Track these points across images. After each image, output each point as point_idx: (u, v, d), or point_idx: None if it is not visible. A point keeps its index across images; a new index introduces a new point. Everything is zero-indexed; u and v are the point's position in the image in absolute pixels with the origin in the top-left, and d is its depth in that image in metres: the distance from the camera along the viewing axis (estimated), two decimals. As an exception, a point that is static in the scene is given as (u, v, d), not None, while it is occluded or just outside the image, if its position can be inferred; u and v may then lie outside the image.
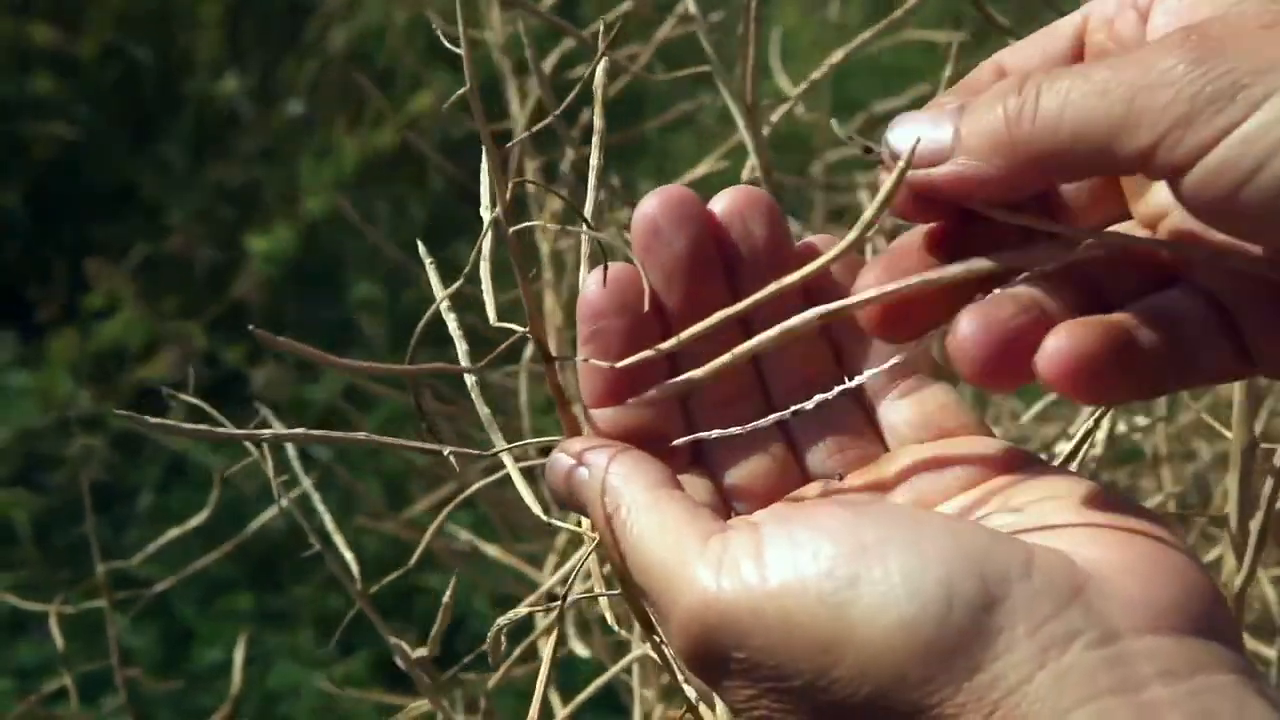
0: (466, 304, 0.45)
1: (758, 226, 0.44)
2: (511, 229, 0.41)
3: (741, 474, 0.44)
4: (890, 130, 0.40)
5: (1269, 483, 0.54)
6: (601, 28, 0.43)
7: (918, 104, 0.44)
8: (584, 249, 0.44)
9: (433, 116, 1.83)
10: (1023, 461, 0.42)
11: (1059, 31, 0.42)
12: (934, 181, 0.39)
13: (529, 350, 0.85)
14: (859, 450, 0.45)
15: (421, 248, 0.45)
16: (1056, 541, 0.37)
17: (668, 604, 0.38)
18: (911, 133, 0.39)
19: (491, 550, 0.77)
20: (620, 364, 0.42)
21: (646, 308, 0.43)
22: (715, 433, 0.44)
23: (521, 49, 0.67)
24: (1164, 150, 0.35)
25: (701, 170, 0.75)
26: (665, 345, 0.42)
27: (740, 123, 0.61)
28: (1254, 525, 0.55)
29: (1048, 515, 0.38)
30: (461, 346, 0.44)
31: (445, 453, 0.42)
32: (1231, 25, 0.35)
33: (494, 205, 0.41)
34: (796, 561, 0.36)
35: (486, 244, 0.43)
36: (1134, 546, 0.36)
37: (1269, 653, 0.69)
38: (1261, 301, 0.38)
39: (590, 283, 0.43)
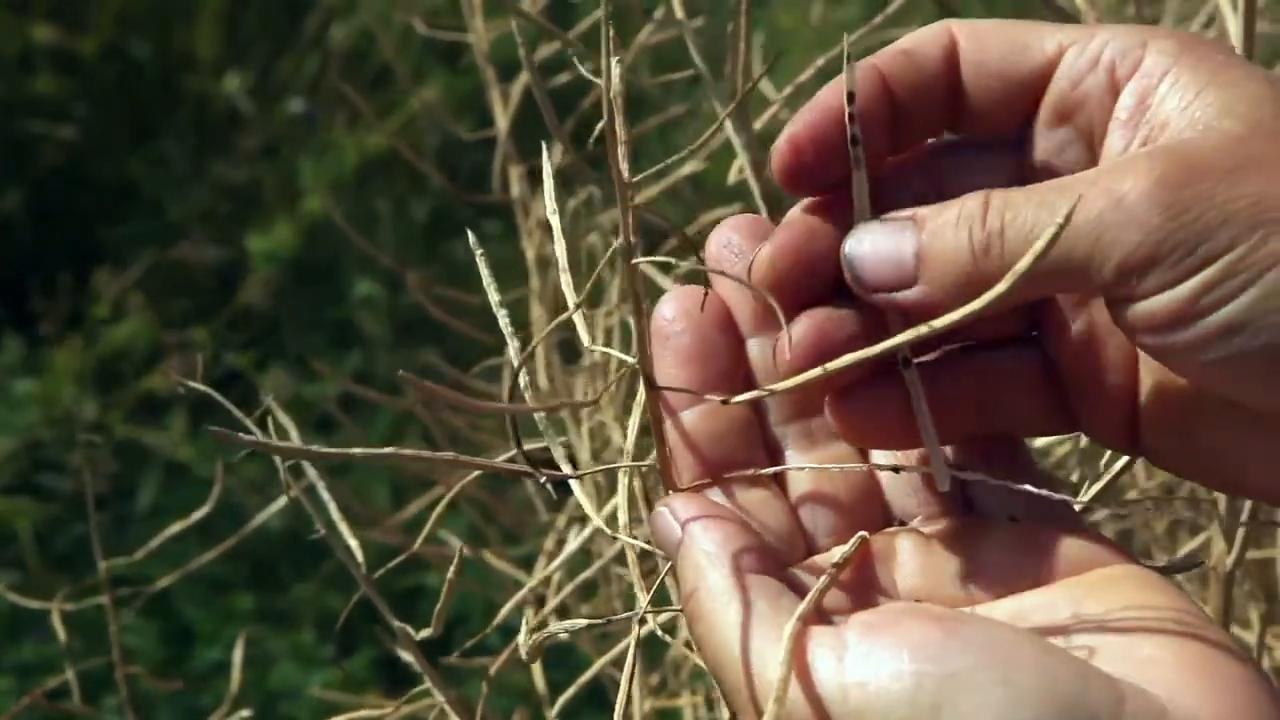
0: (462, 309, 0.45)
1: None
2: (634, 261, 0.41)
3: (819, 500, 0.43)
4: (849, 241, 0.41)
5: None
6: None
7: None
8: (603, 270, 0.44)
9: (432, 115, 1.83)
10: (1109, 552, 0.41)
11: (1027, 58, 0.41)
12: (895, 304, 0.40)
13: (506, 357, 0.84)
14: (944, 501, 0.43)
15: (472, 237, 0.45)
16: (1151, 680, 0.35)
17: (741, 701, 0.37)
18: (870, 249, 0.40)
19: (488, 555, 0.77)
20: (734, 399, 0.42)
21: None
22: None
23: (503, 55, 0.67)
24: (1124, 287, 0.36)
25: (689, 169, 0.75)
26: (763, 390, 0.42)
27: (728, 124, 0.62)
28: (1244, 508, 0.56)
29: (1137, 641, 0.37)
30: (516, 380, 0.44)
31: (541, 479, 0.42)
32: (1197, 163, 0.36)
33: (623, 237, 0.40)
34: (881, 681, 0.34)
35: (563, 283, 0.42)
36: (1230, 700, 0.35)
37: (1249, 638, 0.69)
38: (1101, 383, 0.42)
39: (666, 300, 0.44)
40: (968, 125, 0.43)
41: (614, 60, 0.37)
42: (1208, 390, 0.38)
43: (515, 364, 0.40)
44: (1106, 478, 0.52)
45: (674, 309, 0.44)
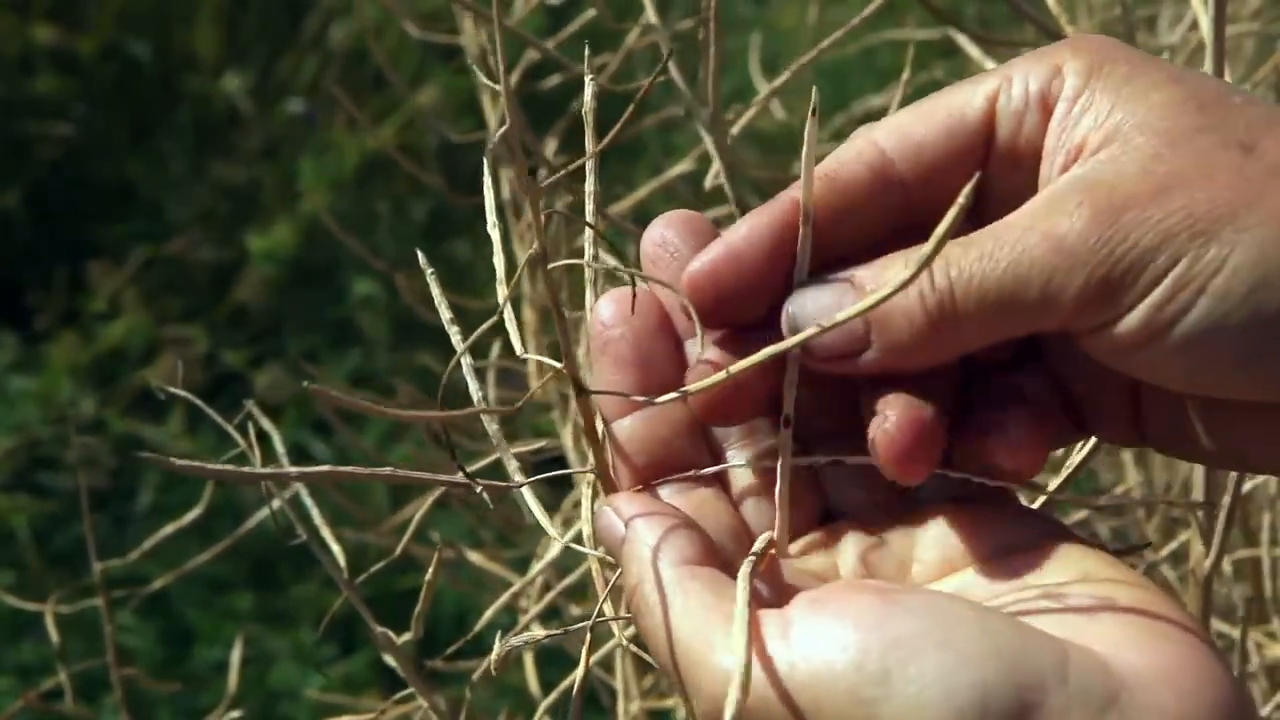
0: (459, 310, 0.45)
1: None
2: (550, 265, 0.41)
3: (760, 498, 0.43)
4: (791, 305, 0.41)
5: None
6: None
7: (904, 101, 0.44)
8: (588, 275, 0.44)
9: (431, 116, 1.83)
10: (1052, 530, 0.41)
11: (966, 123, 0.41)
12: (855, 369, 0.40)
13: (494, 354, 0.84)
14: (883, 491, 0.43)
15: (422, 257, 0.45)
16: (1093, 640, 0.36)
17: (692, 688, 0.37)
18: (814, 315, 0.40)
19: (475, 557, 0.77)
20: (660, 400, 0.42)
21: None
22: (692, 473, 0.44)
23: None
24: (1080, 323, 0.38)
25: (679, 169, 0.75)
26: (693, 386, 0.41)
27: (701, 128, 0.62)
28: (1221, 511, 0.56)
29: (1077, 605, 0.37)
30: (476, 390, 0.44)
31: (478, 489, 0.42)
32: (1123, 190, 0.37)
33: (538, 241, 0.40)
34: (826, 652, 0.35)
35: (500, 277, 0.42)
36: (1171, 654, 0.35)
37: (1233, 633, 0.69)
38: (1101, 391, 0.42)
39: (603, 303, 0.44)
40: (921, 213, 0.42)
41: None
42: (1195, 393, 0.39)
43: (446, 372, 0.40)
44: (1065, 473, 0.52)
45: (612, 313, 0.43)
